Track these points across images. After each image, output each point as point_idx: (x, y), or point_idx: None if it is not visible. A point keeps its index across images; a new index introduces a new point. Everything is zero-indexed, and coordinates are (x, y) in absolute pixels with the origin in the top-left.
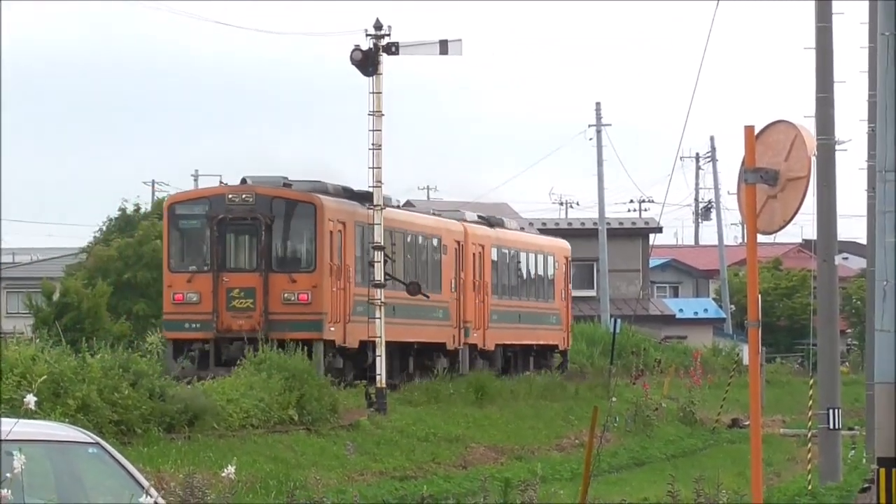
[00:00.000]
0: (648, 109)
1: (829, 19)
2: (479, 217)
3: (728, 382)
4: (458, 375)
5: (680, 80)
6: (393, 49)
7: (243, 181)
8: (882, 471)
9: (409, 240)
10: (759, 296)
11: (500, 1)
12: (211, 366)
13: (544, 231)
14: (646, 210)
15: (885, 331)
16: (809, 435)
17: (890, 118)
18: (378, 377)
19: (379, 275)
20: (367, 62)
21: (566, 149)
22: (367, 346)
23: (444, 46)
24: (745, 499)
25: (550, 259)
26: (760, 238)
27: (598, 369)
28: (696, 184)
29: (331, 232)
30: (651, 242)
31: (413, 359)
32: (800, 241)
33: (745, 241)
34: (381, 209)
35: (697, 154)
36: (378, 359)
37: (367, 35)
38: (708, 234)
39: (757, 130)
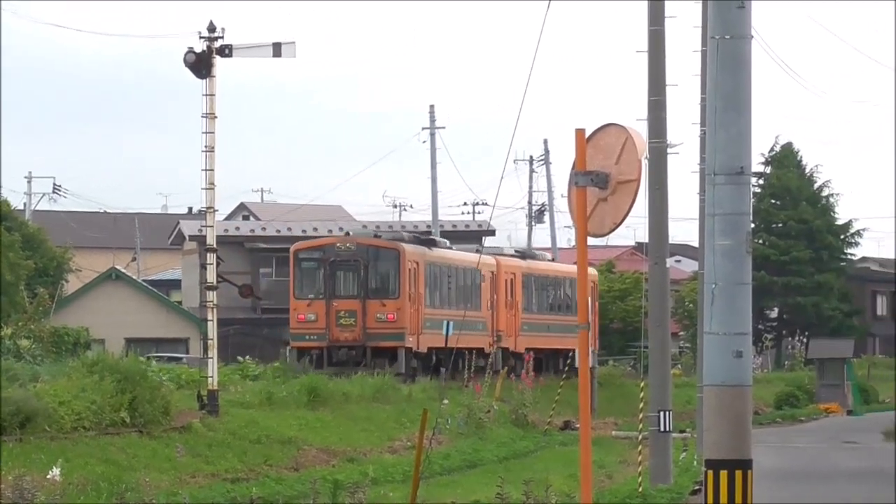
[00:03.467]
0: (483, 112)
1: (662, 22)
2: (516, 251)
3: (560, 384)
4: (492, 372)
5: (514, 83)
6: (226, 51)
7: (346, 233)
8: (710, 473)
9: (458, 273)
10: (590, 298)
11: (335, 2)
12: (325, 366)
13: (377, 234)
14: (479, 213)
15: (714, 333)
16: (640, 437)
17: (719, 122)
18: (209, 379)
19: (211, 277)
20: (200, 64)
21: (401, 151)
22: (433, 351)
23: (277, 49)
24: (574, 500)
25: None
26: (594, 241)
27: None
28: (530, 186)
29: (409, 269)
30: (483, 245)
31: (464, 360)
32: (633, 243)
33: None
34: (214, 212)
35: (531, 157)
36: (210, 360)
37: (200, 37)
38: (541, 237)
39: (588, 133)
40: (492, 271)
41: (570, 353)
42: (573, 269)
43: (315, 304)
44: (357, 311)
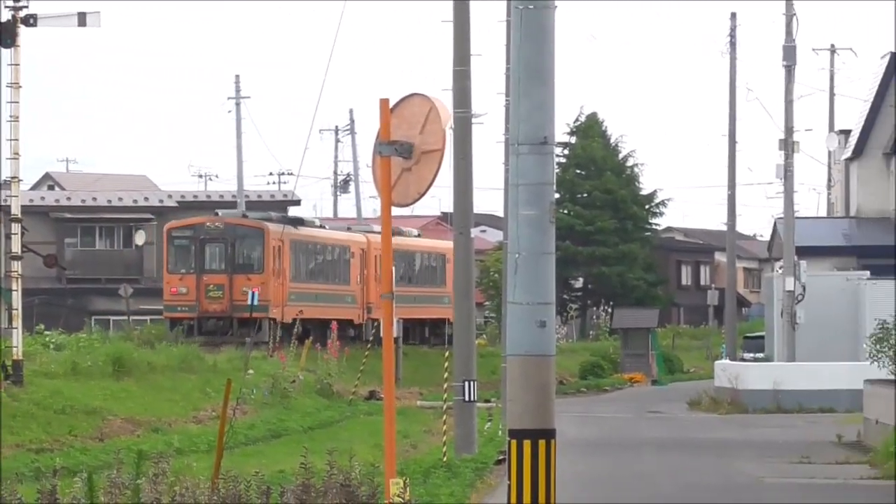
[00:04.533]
0: (289, 81)
1: None
2: None
3: (365, 354)
4: (363, 341)
5: (320, 52)
6: (31, 21)
7: (216, 213)
8: (514, 442)
9: (325, 249)
10: (394, 268)
11: None
12: (195, 334)
13: (182, 203)
14: (285, 183)
15: (518, 303)
16: (445, 407)
17: (523, 91)
18: (14, 349)
19: (16, 247)
20: (5, 34)
21: (207, 121)
22: (296, 321)
23: (82, 18)
24: (379, 469)
25: (441, 257)
26: (399, 211)
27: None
28: (335, 156)
29: (274, 247)
30: (288, 214)
31: (335, 331)
32: (438, 213)
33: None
34: (19, 182)
35: (337, 127)
36: (14, 330)
37: (5, 6)
38: (347, 207)
39: (393, 103)
40: (362, 248)
41: (436, 322)
42: (436, 243)
43: (186, 278)
44: (225, 285)
